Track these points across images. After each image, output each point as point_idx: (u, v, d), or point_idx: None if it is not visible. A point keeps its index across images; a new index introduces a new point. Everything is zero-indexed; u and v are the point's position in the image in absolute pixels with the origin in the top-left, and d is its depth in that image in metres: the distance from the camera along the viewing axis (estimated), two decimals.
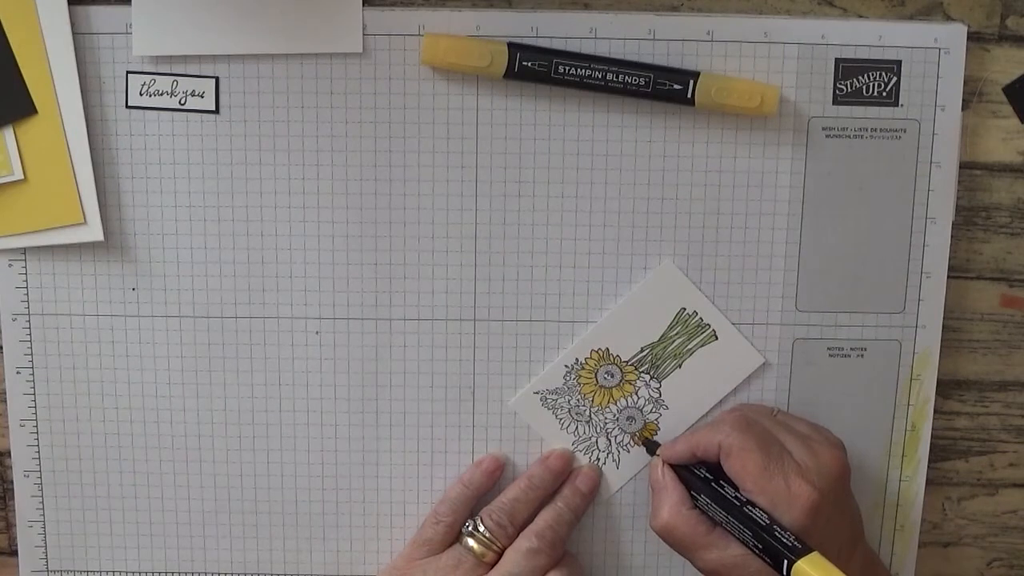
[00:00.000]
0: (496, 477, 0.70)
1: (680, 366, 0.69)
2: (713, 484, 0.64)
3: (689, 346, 0.69)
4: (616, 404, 0.70)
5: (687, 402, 0.69)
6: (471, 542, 0.67)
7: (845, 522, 0.66)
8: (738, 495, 0.63)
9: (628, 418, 0.70)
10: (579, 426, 0.70)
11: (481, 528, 0.67)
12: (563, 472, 0.69)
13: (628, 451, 0.70)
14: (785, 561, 0.60)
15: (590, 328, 0.69)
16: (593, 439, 0.70)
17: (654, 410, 0.70)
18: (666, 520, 0.65)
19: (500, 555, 0.67)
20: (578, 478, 0.69)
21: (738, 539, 0.63)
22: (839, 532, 0.65)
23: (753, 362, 0.69)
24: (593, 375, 0.69)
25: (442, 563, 0.67)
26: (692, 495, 0.65)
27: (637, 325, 0.69)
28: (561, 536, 0.67)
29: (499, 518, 0.67)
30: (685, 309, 0.68)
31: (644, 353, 0.69)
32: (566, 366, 0.69)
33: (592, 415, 0.70)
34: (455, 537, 0.68)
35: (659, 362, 0.69)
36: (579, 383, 0.69)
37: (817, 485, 0.63)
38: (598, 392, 0.69)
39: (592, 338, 0.69)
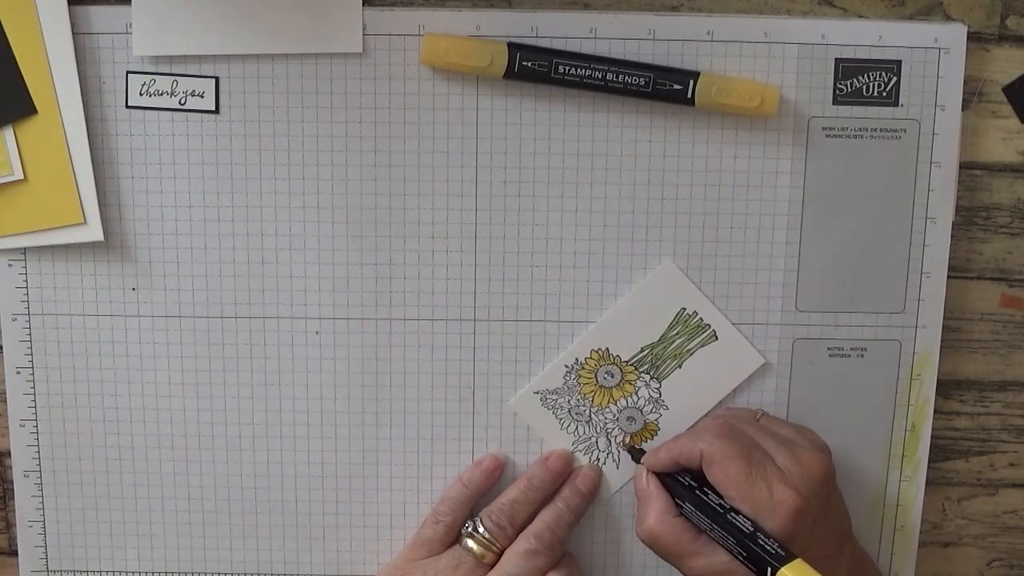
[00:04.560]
0: (496, 477, 0.69)
1: (680, 366, 0.69)
2: (697, 492, 0.64)
3: (689, 346, 0.69)
4: (616, 404, 0.70)
5: (687, 402, 0.69)
6: (470, 543, 0.67)
7: (831, 525, 0.66)
8: (722, 502, 0.63)
9: (628, 418, 0.70)
10: (579, 426, 0.70)
11: (481, 529, 0.67)
12: (563, 473, 0.69)
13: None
14: (769, 569, 0.60)
15: (590, 328, 0.69)
16: (593, 439, 0.70)
17: (654, 410, 0.70)
18: (651, 528, 0.65)
19: (499, 556, 0.67)
20: (578, 478, 0.69)
21: (723, 546, 0.63)
22: (825, 535, 0.64)
23: (753, 363, 0.69)
24: (593, 375, 0.69)
25: (442, 564, 0.67)
26: (677, 503, 0.65)
27: (637, 325, 0.69)
28: (560, 537, 0.67)
29: (498, 519, 0.67)
30: (685, 309, 0.68)
31: (644, 353, 0.69)
32: (566, 366, 0.69)
33: (592, 415, 0.70)
34: (455, 538, 0.68)
35: (659, 362, 0.69)
36: (579, 383, 0.69)
37: (800, 490, 0.63)
38: (598, 392, 0.69)
39: (592, 338, 0.69)
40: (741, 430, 0.66)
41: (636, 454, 0.69)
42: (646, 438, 0.70)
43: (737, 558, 0.62)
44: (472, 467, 0.69)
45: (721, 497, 0.64)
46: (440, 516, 0.68)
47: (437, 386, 0.69)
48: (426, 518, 0.69)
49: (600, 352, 0.69)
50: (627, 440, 0.70)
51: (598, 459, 0.70)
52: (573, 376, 0.69)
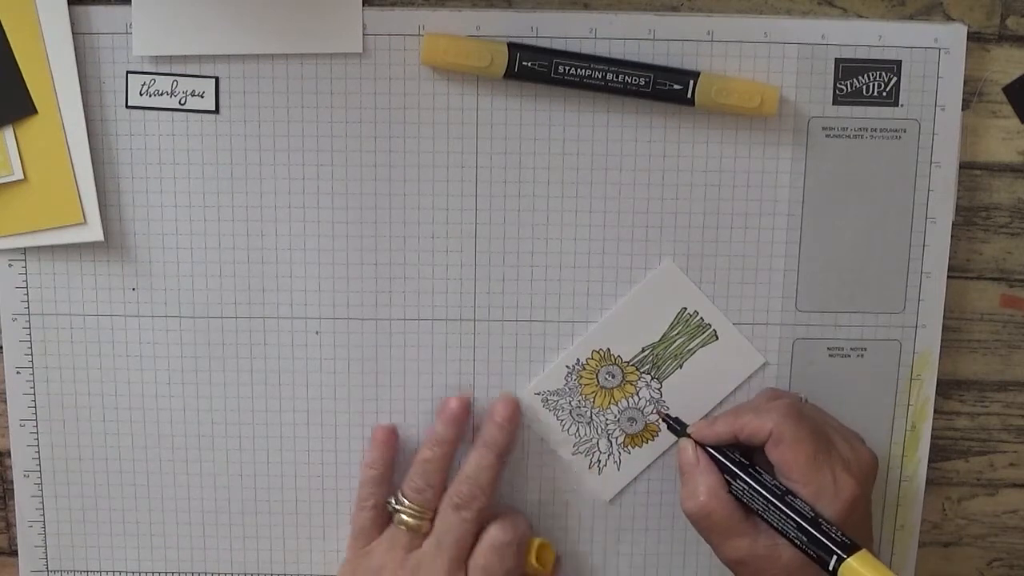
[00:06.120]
0: (393, 443, 0.68)
1: (681, 366, 0.69)
2: (751, 469, 0.64)
3: (690, 346, 0.69)
4: (617, 405, 0.70)
5: (688, 402, 0.69)
6: (402, 516, 0.66)
7: (868, 519, 0.66)
8: (777, 482, 0.63)
9: (629, 419, 0.70)
10: (580, 427, 0.70)
11: (404, 501, 0.66)
12: (462, 417, 0.68)
13: (629, 452, 0.70)
14: (834, 557, 0.59)
15: (590, 328, 0.69)
16: (594, 441, 0.70)
17: (653, 411, 0.70)
18: (704, 503, 0.63)
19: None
20: (495, 411, 0.68)
21: (776, 529, 0.62)
22: (863, 529, 0.65)
23: (754, 362, 0.69)
24: (594, 376, 0.69)
25: (384, 546, 0.66)
26: (725, 479, 0.64)
27: (638, 325, 0.69)
28: (481, 483, 0.66)
29: (415, 484, 0.66)
30: (686, 309, 0.68)
31: (645, 353, 0.69)
32: (567, 367, 0.69)
33: (593, 416, 0.70)
34: (388, 518, 0.67)
35: (660, 362, 0.69)
36: (580, 384, 0.69)
37: (859, 480, 0.63)
38: (599, 393, 0.69)
39: (593, 338, 0.69)
40: (807, 413, 0.65)
41: (677, 425, 0.67)
42: (647, 439, 0.70)
43: (794, 543, 0.61)
44: (371, 445, 0.68)
45: (773, 477, 0.63)
46: (363, 501, 0.67)
47: (437, 386, 0.69)
48: (353, 508, 0.68)
49: (601, 352, 0.69)
50: (660, 413, 0.69)
51: (599, 461, 0.70)
52: (574, 377, 0.69)
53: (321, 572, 0.71)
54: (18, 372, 0.69)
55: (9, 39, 0.64)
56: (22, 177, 0.66)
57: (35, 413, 0.69)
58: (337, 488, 0.70)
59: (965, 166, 0.68)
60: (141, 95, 0.66)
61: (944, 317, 0.69)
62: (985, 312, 0.70)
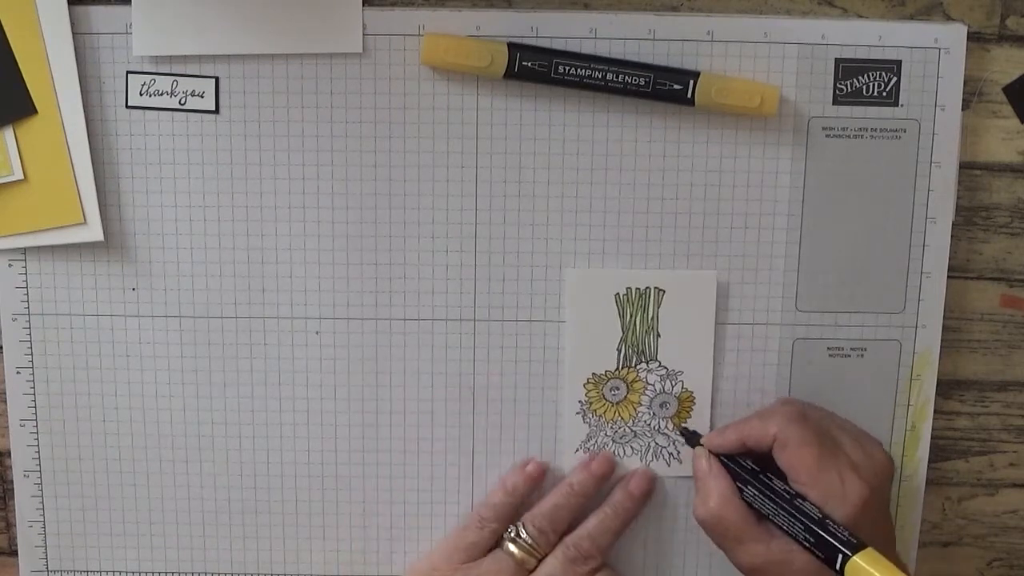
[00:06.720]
0: (539, 482, 0.69)
1: (659, 335, 0.69)
2: (761, 475, 0.64)
3: (650, 314, 0.68)
4: (642, 405, 0.69)
5: (692, 357, 0.69)
6: (513, 548, 0.67)
7: (886, 523, 0.66)
8: (787, 487, 0.63)
9: (662, 405, 0.69)
10: (631, 444, 0.69)
11: (523, 535, 0.67)
12: (606, 476, 0.69)
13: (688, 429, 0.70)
14: (840, 556, 0.59)
15: (562, 374, 0.69)
16: (652, 444, 0.70)
17: (675, 383, 0.69)
18: (715, 510, 0.64)
19: (540, 561, 0.67)
20: (631, 482, 0.69)
21: (787, 532, 0.62)
22: (880, 532, 0.65)
23: (707, 279, 0.68)
24: (603, 401, 0.69)
25: (484, 568, 0.67)
26: (738, 486, 0.65)
27: (596, 338, 0.68)
28: (600, 545, 0.67)
29: (541, 524, 0.67)
30: (619, 293, 0.68)
31: (622, 351, 0.69)
32: (576, 413, 0.69)
33: (633, 429, 0.69)
34: (496, 542, 0.68)
35: (641, 347, 0.69)
36: (599, 416, 0.69)
37: (870, 482, 0.63)
38: (619, 409, 0.69)
39: (574, 377, 0.69)
40: (812, 417, 0.66)
41: (691, 437, 0.68)
42: (689, 409, 0.69)
43: (803, 544, 0.61)
44: (516, 472, 0.69)
45: (785, 483, 0.63)
46: (486, 521, 0.68)
47: (437, 386, 0.69)
48: (469, 521, 0.69)
49: (590, 380, 0.69)
50: (676, 423, 0.69)
51: (671, 454, 0.69)
52: (590, 415, 0.69)
53: (321, 572, 0.72)
54: (18, 372, 0.69)
55: (9, 39, 0.64)
56: (22, 177, 0.66)
57: (35, 413, 0.69)
58: (337, 488, 0.70)
59: (965, 166, 0.68)
60: (141, 95, 0.66)
61: (944, 317, 0.69)
62: (985, 312, 0.70)
